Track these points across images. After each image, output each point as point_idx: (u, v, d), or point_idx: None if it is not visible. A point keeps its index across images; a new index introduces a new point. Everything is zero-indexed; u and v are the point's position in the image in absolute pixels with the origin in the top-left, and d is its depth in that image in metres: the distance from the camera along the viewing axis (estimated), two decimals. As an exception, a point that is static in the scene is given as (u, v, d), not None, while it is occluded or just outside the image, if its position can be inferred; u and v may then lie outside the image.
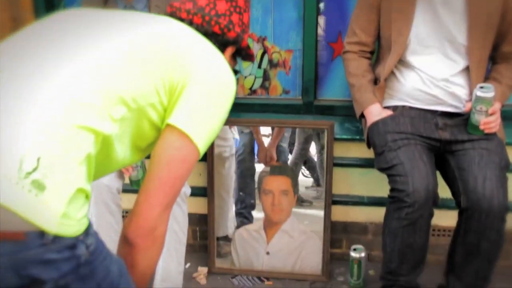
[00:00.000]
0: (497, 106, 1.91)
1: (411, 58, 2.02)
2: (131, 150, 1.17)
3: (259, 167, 2.51)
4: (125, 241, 1.15)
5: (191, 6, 1.35)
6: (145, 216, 1.12)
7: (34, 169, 0.91)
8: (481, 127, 1.91)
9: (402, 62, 2.05)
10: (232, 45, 1.40)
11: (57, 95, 0.99)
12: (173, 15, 1.35)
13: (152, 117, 1.13)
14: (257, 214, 2.52)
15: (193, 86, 1.13)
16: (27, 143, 0.92)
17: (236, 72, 1.55)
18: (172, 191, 1.14)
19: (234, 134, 2.52)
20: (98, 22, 1.18)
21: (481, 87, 1.89)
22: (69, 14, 1.22)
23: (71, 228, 0.95)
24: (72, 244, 0.95)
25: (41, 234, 0.91)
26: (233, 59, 1.47)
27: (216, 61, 1.21)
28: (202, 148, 1.15)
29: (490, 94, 1.87)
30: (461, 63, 2.00)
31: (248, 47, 1.45)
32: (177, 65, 1.13)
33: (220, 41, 1.35)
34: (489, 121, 1.90)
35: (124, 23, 1.19)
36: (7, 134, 0.92)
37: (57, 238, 0.92)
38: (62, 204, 0.93)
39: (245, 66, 2.53)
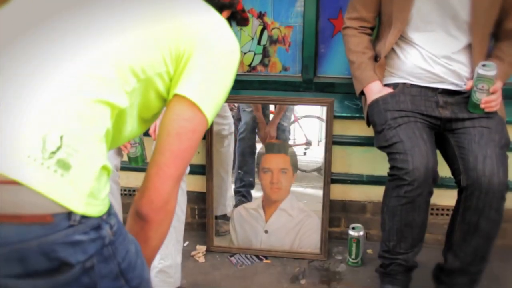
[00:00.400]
0: (498, 84, 1.89)
1: (412, 35, 2.00)
2: (137, 122, 1.15)
3: (260, 146, 2.50)
4: (138, 216, 1.12)
5: None
6: (158, 189, 1.09)
7: (58, 148, 0.89)
8: (482, 105, 1.89)
9: (403, 38, 2.02)
10: (228, 8, 1.37)
11: (69, 72, 0.96)
12: None
13: (159, 88, 1.10)
14: (256, 192, 2.51)
15: (199, 55, 1.10)
16: (47, 122, 0.90)
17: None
18: (183, 163, 1.11)
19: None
20: None
21: (483, 65, 1.86)
22: None
23: (97, 207, 0.93)
24: (97, 224, 0.93)
25: (68, 215, 0.89)
26: (228, 23, 1.44)
27: (221, 28, 1.18)
28: (211, 117, 1.12)
29: (492, 73, 1.85)
30: (463, 40, 1.97)
31: (243, 10, 1.43)
32: (182, 34, 1.09)
33: (217, 4, 1.31)
34: (490, 100, 1.88)
35: None
36: (26, 114, 0.90)
37: (83, 219, 0.90)
38: (89, 183, 0.91)
39: (244, 42, 2.51)
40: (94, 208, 0.92)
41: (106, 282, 0.97)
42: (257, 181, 2.49)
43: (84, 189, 0.91)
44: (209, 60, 1.11)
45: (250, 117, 2.49)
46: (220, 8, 1.33)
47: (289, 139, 2.52)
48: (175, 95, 1.09)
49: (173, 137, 1.09)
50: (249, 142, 2.50)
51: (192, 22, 1.12)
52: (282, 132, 2.48)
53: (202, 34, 1.11)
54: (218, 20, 1.19)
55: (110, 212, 0.97)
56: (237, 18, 1.44)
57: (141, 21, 1.08)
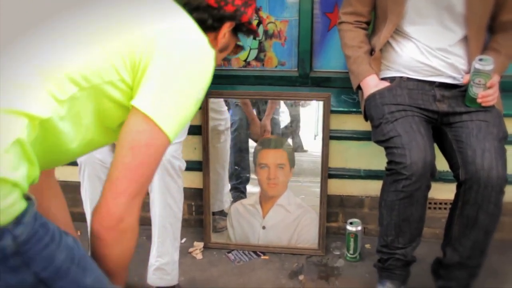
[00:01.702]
0: (495, 79, 1.88)
1: (407, 28, 1.99)
2: (96, 129, 1.10)
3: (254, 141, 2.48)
4: (92, 232, 1.08)
5: None
6: (109, 205, 1.04)
7: None
8: (479, 100, 1.89)
9: (398, 32, 2.02)
10: (229, 20, 1.29)
11: (2, 77, 0.94)
12: None
13: (114, 96, 1.06)
14: (252, 188, 2.50)
15: (156, 64, 1.04)
16: None
17: (239, 47, 1.45)
18: (137, 178, 1.06)
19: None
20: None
21: (480, 60, 1.86)
22: None
23: None
24: None
25: None
26: (234, 35, 1.36)
27: (186, 36, 1.11)
28: (171, 131, 1.06)
29: (489, 67, 1.84)
30: (459, 33, 1.96)
31: (249, 22, 1.34)
32: (138, 41, 1.04)
33: (215, 15, 1.26)
34: (487, 94, 1.87)
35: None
36: None
37: None
38: None
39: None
40: None
41: None
42: (253, 176, 2.48)
43: None
44: (168, 70, 1.06)
45: (242, 112, 2.48)
46: (220, 19, 1.27)
47: (280, 133, 2.50)
48: (131, 107, 1.05)
49: (127, 150, 1.05)
50: (244, 137, 2.48)
51: (152, 30, 1.07)
52: (274, 126, 2.46)
53: (161, 42, 1.06)
54: (183, 28, 1.12)
55: (20, 221, 0.92)
56: (242, 31, 1.36)
57: (96, 30, 1.04)
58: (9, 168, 0.91)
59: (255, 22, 2.45)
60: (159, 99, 1.05)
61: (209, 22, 1.24)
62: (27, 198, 0.96)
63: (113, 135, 1.14)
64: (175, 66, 1.06)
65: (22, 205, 0.93)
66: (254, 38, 1.44)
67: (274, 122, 2.46)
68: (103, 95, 1.05)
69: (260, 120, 2.44)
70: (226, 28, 1.30)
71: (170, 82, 1.06)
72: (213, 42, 1.28)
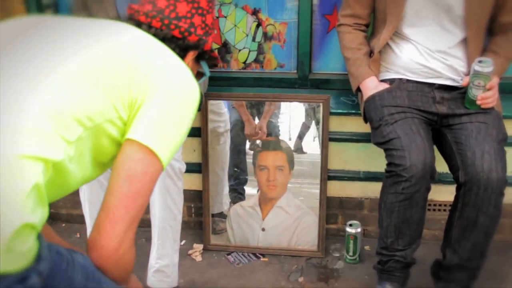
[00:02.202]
0: (495, 81, 1.88)
1: (407, 30, 1.99)
2: (92, 166, 1.13)
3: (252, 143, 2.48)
4: (90, 258, 1.09)
5: (150, 7, 1.30)
6: (108, 233, 1.06)
7: None
8: (478, 102, 1.89)
9: (397, 34, 2.02)
10: (193, 49, 1.35)
11: (8, 120, 0.94)
12: (131, 17, 1.30)
13: (112, 133, 1.09)
14: (251, 190, 2.50)
15: (152, 98, 1.09)
16: None
17: (201, 75, 1.50)
18: (134, 205, 1.08)
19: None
20: (53, 34, 1.13)
21: (480, 62, 1.86)
22: (26, 23, 1.17)
23: (17, 264, 0.90)
24: (21, 277, 0.91)
25: None
26: (197, 62, 1.42)
27: (176, 69, 1.17)
28: (165, 158, 1.10)
29: (488, 69, 1.84)
30: (459, 35, 1.97)
31: (211, 50, 1.40)
32: (135, 79, 1.08)
33: (181, 45, 1.31)
34: (486, 96, 1.87)
35: (78, 36, 1.14)
36: None
37: (3, 276, 0.88)
38: (4, 242, 0.87)
39: (239, 39, 2.49)
40: (12, 264, 0.89)
41: None
42: (252, 178, 2.48)
43: None
44: (161, 102, 1.10)
45: (239, 113, 2.47)
46: (185, 49, 1.33)
47: (279, 135, 2.50)
48: (127, 139, 1.08)
49: (123, 179, 1.08)
50: (240, 139, 2.48)
51: (144, 66, 1.11)
52: (272, 128, 2.45)
53: (155, 77, 1.10)
54: (172, 60, 1.18)
55: (41, 257, 0.94)
56: (205, 58, 1.42)
57: (89, 68, 1.06)
58: (29, 212, 0.92)
59: (254, 24, 2.45)
60: (154, 129, 1.09)
61: (176, 52, 1.27)
62: None
63: (103, 169, 1.19)
64: (169, 100, 1.12)
65: (37, 243, 0.95)
66: (216, 65, 1.51)
67: (273, 124, 2.46)
68: (103, 133, 1.08)
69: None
70: (190, 56, 1.36)
71: (163, 114, 1.11)
72: None
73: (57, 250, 1.01)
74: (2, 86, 0.98)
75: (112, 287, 1.11)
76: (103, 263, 1.08)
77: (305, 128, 2.47)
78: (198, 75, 1.47)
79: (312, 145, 2.47)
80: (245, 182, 2.51)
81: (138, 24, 1.26)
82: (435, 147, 1.95)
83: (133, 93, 1.08)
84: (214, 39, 1.44)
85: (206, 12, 1.36)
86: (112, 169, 1.10)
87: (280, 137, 2.46)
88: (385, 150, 1.90)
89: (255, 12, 2.45)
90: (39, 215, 0.95)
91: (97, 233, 1.07)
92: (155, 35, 1.25)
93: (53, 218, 2.65)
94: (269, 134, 2.45)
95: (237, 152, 2.50)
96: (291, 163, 2.43)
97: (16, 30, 1.13)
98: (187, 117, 1.15)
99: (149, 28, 1.27)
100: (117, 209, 1.07)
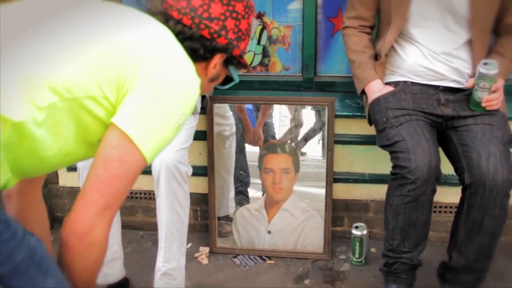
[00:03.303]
0: (500, 83, 1.88)
1: (411, 32, 1.99)
2: (78, 143, 1.13)
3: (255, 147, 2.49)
4: (60, 238, 1.10)
5: (184, 4, 1.28)
6: (78, 214, 1.07)
7: None
8: (483, 104, 1.88)
9: (402, 36, 2.02)
10: (221, 52, 1.31)
11: None
12: (164, 11, 1.29)
13: (95, 111, 1.09)
14: (256, 192, 2.51)
15: (140, 87, 1.08)
16: None
17: (229, 80, 1.46)
18: (109, 191, 1.08)
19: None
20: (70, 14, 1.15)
21: (485, 64, 1.85)
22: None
23: None
24: None
25: None
26: (225, 66, 1.39)
27: (172, 63, 1.15)
28: (147, 151, 1.09)
29: (493, 71, 1.84)
30: (463, 36, 1.96)
31: (240, 56, 1.37)
32: (125, 64, 1.08)
33: (207, 46, 1.28)
34: (491, 99, 1.87)
35: (93, 20, 1.15)
36: None
37: None
38: None
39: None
40: None
41: None
42: (258, 181, 2.49)
43: None
44: (150, 93, 1.09)
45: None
46: (211, 51, 1.30)
47: (275, 138, 2.50)
48: (110, 123, 1.08)
49: (100, 162, 1.08)
50: (244, 142, 2.49)
51: (141, 57, 1.10)
52: (267, 130, 2.46)
53: (148, 68, 1.10)
54: (175, 57, 1.16)
55: None
56: (233, 63, 1.39)
57: (85, 46, 1.08)
58: None
59: (259, 28, 2.46)
60: (138, 119, 1.09)
61: (200, 52, 1.27)
62: None
63: (94, 149, 1.17)
64: (158, 93, 1.10)
65: None
66: (247, 70, 1.48)
67: (279, 127, 2.46)
68: (84, 109, 1.08)
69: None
70: (217, 59, 1.33)
71: (151, 106, 1.09)
72: (203, 71, 1.32)
73: (6, 220, 1.00)
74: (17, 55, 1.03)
75: (60, 284, 1.09)
76: (71, 241, 1.08)
77: (311, 131, 2.47)
78: (227, 80, 1.45)
79: (317, 147, 2.47)
80: (247, 184, 2.52)
81: (167, 19, 1.25)
82: (440, 149, 1.96)
83: (121, 77, 1.07)
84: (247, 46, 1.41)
85: (242, 17, 1.32)
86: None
87: (285, 140, 2.46)
88: (391, 152, 1.91)
89: (259, 16, 2.46)
90: None
91: (70, 213, 1.08)
92: (180, 32, 1.23)
93: (60, 221, 2.66)
94: (273, 137, 2.46)
95: (243, 155, 2.50)
96: (296, 165, 2.44)
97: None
98: (177, 113, 1.13)
99: (176, 24, 1.25)
100: (92, 192, 1.07)
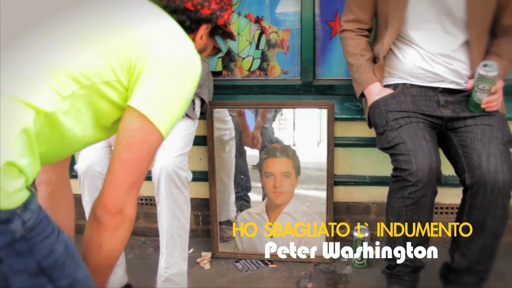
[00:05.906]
0: (499, 84, 1.88)
1: (409, 34, 1.99)
2: (94, 127, 1.17)
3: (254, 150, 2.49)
4: (94, 218, 1.16)
5: None
6: (110, 195, 1.14)
7: None
8: (483, 105, 1.89)
9: (400, 38, 2.02)
10: (206, 22, 1.36)
11: (7, 68, 1.02)
12: None
13: (110, 96, 1.13)
14: (256, 197, 2.51)
15: (151, 66, 1.12)
16: None
17: (218, 50, 1.51)
18: (134, 171, 1.15)
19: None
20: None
21: (485, 66, 1.85)
22: None
23: (3, 201, 0.94)
24: (5, 218, 0.95)
25: None
26: (211, 37, 1.43)
27: (176, 40, 1.19)
28: (164, 128, 1.15)
29: (493, 73, 1.84)
30: (461, 38, 1.97)
31: (225, 25, 1.41)
32: (134, 46, 1.12)
33: (193, 18, 1.33)
34: (491, 100, 1.88)
35: (91, 6, 1.19)
36: None
37: None
38: None
39: (243, 47, 2.51)
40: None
41: (23, 278, 0.99)
42: (259, 185, 2.48)
43: None
44: (161, 72, 1.14)
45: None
46: (197, 22, 1.34)
47: (273, 141, 2.51)
48: (128, 106, 1.13)
49: (124, 146, 1.14)
50: (244, 147, 2.49)
51: (146, 34, 1.14)
52: (265, 134, 2.46)
53: (155, 46, 1.14)
54: (173, 31, 1.20)
55: (27, 207, 0.98)
56: (219, 33, 1.43)
57: (95, 32, 1.12)
58: (18, 154, 0.97)
59: (257, 32, 2.47)
60: (153, 99, 1.13)
61: (187, 24, 1.31)
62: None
63: (107, 133, 1.24)
64: (168, 69, 1.15)
65: (27, 192, 1.00)
66: (232, 40, 1.51)
67: (279, 131, 2.47)
68: (100, 94, 1.12)
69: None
70: (203, 30, 1.37)
71: (163, 84, 1.14)
72: None
73: (46, 215, 1.05)
74: (30, 45, 1.07)
75: (88, 276, 1.14)
76: (107, 219, 1.15)
77: (310, 134, 2.47)
78: (214, 50, 1.50)
79: (316, 150, 2.47)
80: (247, 188, 2.52)
81: None
82: (440, 151, 1.96)
83: (132, 59, 1.11)
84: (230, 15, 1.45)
85: None
86: (116, 136, 1.16)
87: (286, 144, 2.46)
88: (391, 155, 1.91)
89: (258, 20, 2.47)
90: (28, 162, 1.00)
91: (102, 194, 1.14)
92: (166, 6, 1.26)
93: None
94: (274, 141, 2.46)
95: (243, 159, 2.51)
96: (297, 169, 2.44)
97: None
98: (188, 88, 1.18)
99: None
100: (120, 174, 1.14)
